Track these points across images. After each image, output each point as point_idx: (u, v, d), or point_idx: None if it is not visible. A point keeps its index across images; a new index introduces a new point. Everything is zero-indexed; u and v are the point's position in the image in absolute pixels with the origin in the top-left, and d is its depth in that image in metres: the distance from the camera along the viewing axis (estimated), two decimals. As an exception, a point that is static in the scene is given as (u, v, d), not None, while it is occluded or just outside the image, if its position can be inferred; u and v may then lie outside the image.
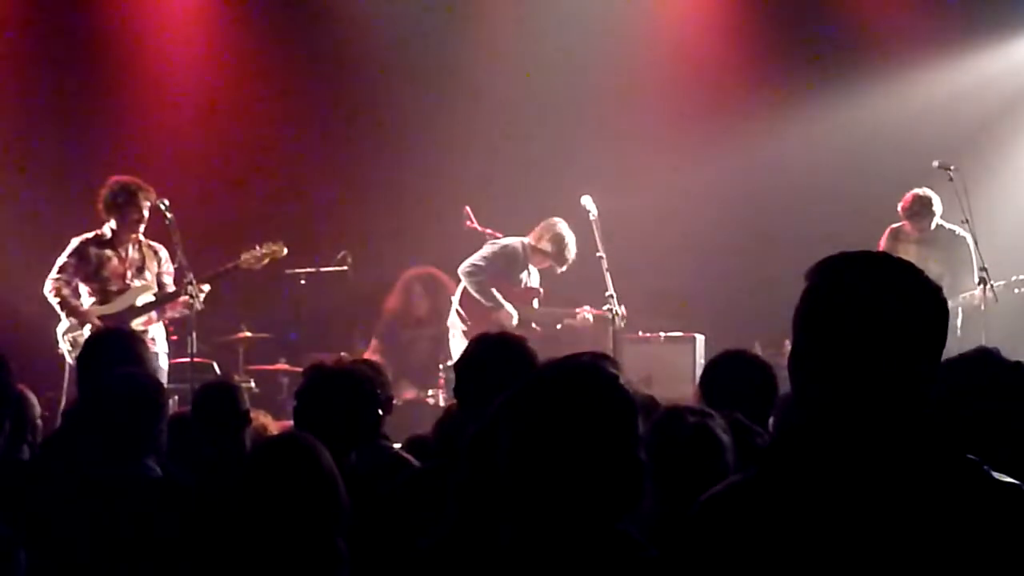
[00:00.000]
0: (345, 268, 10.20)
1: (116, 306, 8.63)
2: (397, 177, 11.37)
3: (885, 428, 2.12)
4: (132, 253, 8.73)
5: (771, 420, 4.67)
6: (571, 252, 9.50)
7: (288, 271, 10.27)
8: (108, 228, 8.67)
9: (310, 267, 10.27)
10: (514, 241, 9.60)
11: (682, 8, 11.62)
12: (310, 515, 3.26)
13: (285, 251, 8.92)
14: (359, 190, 11.23)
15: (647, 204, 10.83)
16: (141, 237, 8.74)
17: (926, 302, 2.17)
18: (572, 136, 11.30)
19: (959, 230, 9.31)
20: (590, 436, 2.35)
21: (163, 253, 8.83)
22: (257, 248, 8.79)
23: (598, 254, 8.97)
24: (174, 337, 8.93)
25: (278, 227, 10.74)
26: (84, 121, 10.71)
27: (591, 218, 9.06)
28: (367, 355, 9.00)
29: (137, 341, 5.38)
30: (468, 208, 9.90)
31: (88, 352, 5.12)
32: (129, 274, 8.69)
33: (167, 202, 8.42)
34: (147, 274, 8.73)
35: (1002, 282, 9.14)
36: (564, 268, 9.59)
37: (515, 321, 9.27)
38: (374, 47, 11.46)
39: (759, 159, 11.03)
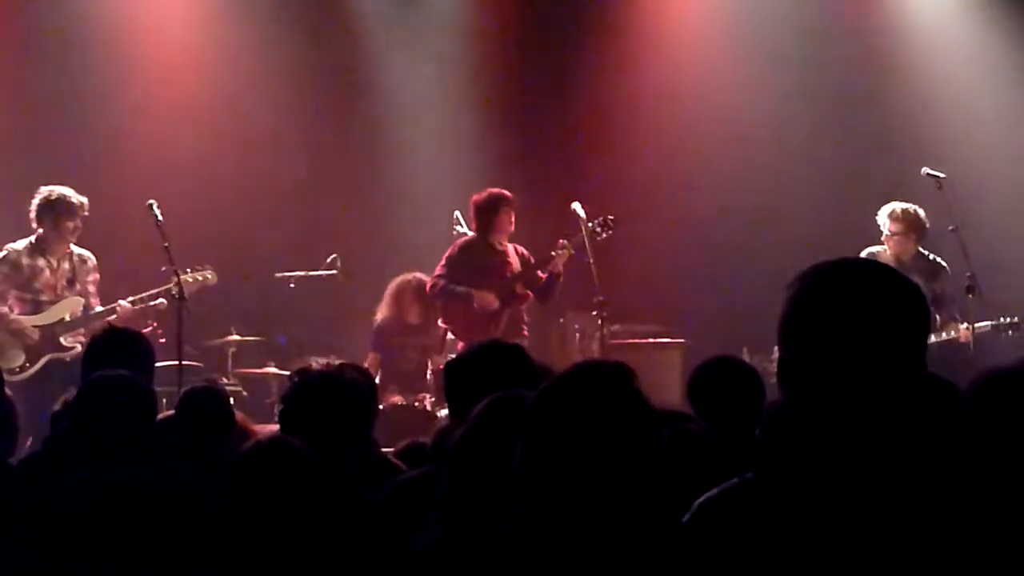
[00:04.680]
0: (335, 272, 10.19)
1: (47, 317, 8.66)
2: (387, 181, 11.36)
3: (876, 431, 2.13)
4: (63, 264, 8.74)
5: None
6: (501, 200, 9.22)
7: (278, 274, 10.26)
8: (36, 237, 8.68)
9: (299, 270, 10.26)
10: (466, 233, 9.54)
11: (677, 10, 11.63)
12: (295, 518, 3.26)
13: (215, 280, 8.82)
14: (349, 193, 11.21)
15: (634, 210, 10.84)
16: (72, 246, 8.76)
17: (909, 304, 2.19)
18: (565, 142, 11.32)
19: (938, 259, 9.01)
20: (623, 435, 2.41)
21: (91, 262, 8.85)
22: (189, 272, 8.67)
23: (588, 260, 8.96)
24: (162, 340, 8.90)
25: (268, 230, 10.78)
26: (79, 121, 10.66)
27: (581, 224, 9.05)
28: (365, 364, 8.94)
29: (143, 340, 5.38)
30: (458, 213, 9.88)
31: (94, 351, 5.10)
32: (60, 285, 8.72)
33: (156, 203, 8.38)
34: (77, 286, 8.75)
35: (988, 323, 8.81)
36: (510, 217, 9.28)
37: (495, 302, 9.17)
38: (368, 48, 11.47)
39: (746, 164, 11.05)
